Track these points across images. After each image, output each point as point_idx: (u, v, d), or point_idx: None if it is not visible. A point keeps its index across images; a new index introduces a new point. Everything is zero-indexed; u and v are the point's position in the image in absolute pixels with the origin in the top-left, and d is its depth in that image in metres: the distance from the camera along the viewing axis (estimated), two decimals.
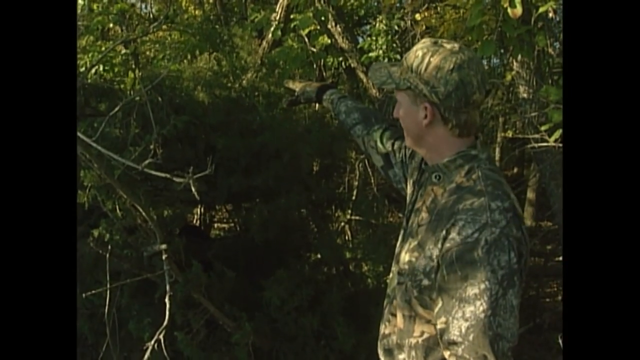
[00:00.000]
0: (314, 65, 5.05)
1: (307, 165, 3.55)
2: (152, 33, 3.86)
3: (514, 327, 1.25)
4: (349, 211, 5.29)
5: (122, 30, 4.92)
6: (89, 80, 4.23)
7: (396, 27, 4.72)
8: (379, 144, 1.81)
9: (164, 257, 2.37)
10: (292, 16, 4.42)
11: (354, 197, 5.75)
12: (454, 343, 1.27)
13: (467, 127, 1.39)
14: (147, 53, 5.01)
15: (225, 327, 2.77)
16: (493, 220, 1.27)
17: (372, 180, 6.46)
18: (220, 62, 4.11)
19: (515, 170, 11.27)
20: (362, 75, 4.94)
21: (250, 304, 2.93)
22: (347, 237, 5.53)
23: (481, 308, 1.23)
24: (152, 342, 2.19)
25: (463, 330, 1.25)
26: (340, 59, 5.18)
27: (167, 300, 2.26)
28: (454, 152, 1.41)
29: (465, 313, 1.25)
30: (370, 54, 4.61)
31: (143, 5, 6.99)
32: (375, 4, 5.62)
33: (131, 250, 2.59)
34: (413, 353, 1.44)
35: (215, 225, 5.01)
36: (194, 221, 4.96)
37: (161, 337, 2.15)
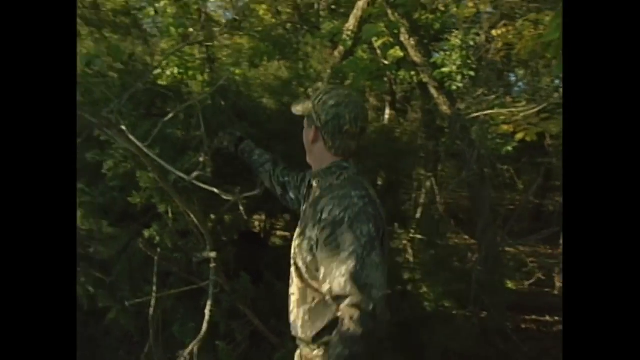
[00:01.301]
0: (385, 79, 4.96)
1: (371, 179, 3.43)
2: (218, 36, 3.85)
3: (381, 279, 1.67)
4: (412, 229, 5.14)
5: (198, 35, 5.00)
6: (164, 83, 4.28)
7: (471, 43, 4.56)
8: (280, 177, 2.44)
9: (211, 265, 2.32)
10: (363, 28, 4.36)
11: (418, 215, 5.59)
12: (339, 297, 1.71)
13: (342, 149, 1.91)
14: (223, 59, 5.06)
15: (269, 342, 2.69)
16: (353, 203, 1.74)
17: (439, 199, 6.28)
18: (290, 69, 4.07)
19: None
20: (433, 91, 4.80)
21: None
22: (407, 257, 5.37)
23: (352, 265, 1.66)
24: (185, 353, 2.14)
25: (342, 284, 1.68)
26: (413, 73, 5.06)
27: (207, 311, 2.21)
28: (330, 162, 1.92)
29: (341, 271, 1.68)
30: (444, 69, 4.47)
31: (223, 12, 7.11)
32: (451, 18, 5.47)
33: (181, 254, 2.55)
34: (306, 317, 1.93)
35: (277, 233, 4.95)
36: (256, 227, 4.92)
37: (195, 349, 2.10)
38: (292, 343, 2.66)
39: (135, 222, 2.76)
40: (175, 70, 4.28)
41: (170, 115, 2.08)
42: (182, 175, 1.62)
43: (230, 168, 3.08)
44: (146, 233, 2.51)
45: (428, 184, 5.90)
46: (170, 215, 2.44)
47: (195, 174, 1.70)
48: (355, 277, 1.66)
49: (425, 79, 4.70)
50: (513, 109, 4.62)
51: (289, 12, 6.80)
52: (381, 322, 1.68)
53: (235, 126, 3.00)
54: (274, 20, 6.32)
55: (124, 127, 1.72)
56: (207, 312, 2.24)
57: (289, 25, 5.38)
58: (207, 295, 2.37)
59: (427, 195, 5.96)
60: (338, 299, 1.72)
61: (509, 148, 4.88)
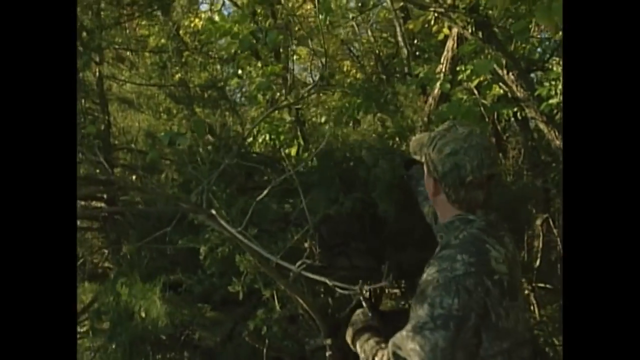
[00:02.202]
0: (486, 119, 4.62)
1: None
2: (308, 96, 3.70)
3: None
4: (533, 277, 4.73)
5: (285, 98, 4.90)
6: (259, 150, 4.16)
7: None
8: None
9: (327, 354, 2.05)
10: (458, 68, 4.07)
11: (537, 262, 5.16)
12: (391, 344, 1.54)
13: (467, 202, 1.62)
14: (313, 119, 4.91)
15: None
16: (452, 267, 1.47)
17: (558, 240, 5.77)
18: (384, 122, 3.84)
19: None
20: (542, 126, 4.40)
21: None
22: (532, 309, 4.92)
23: (408, 328, 1.47)
24: None
25: (396, 338, 1.52)
26: (516, 109, 4.69)
27: None
28: (453, 215, 1.64)
29: (396, 336, 1.52)
30: (551, 102, 4.07)
31: (308, 74, 7.06)
32: (553, 43, 5.08)
33: (292, 342, 2.30)
34: None
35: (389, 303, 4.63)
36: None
37: None
38: None
39: (240, 307, 2.55)
40: (267, 137, 4.17)
41: (266, 191, 1.84)
42: (286, 265, 1.38)
43: (344, 227, 2.84)
44: (251, 324, 2.28)
45: (544, 227, 5.42)
46: (276, 300, 2.19)
47: (300, 265, 1.46)
48: (403, 341, 1.48)
49: (531, 114, 4.31)
50: None
51: (372, 65, 6.65)
52: None
53: (343, 200, 2.77)
54: (358, 75, 6.18)
55: (214, 211, 1.51)
56: None
57: (375, 78, 5.18)
58: None
59: (544, 238, 5.48)
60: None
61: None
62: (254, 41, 3.24)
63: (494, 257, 1.51)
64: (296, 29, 5.43)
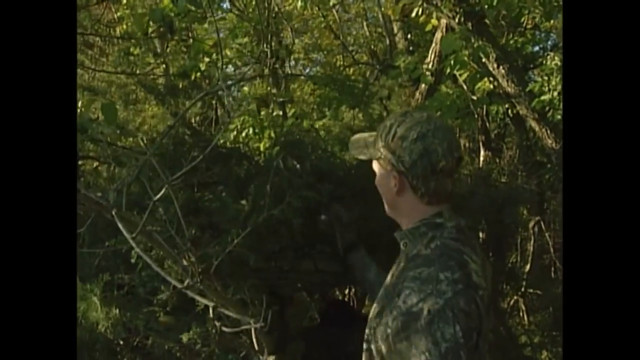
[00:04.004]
0: (475, 115, 4.40)
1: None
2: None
3: None
4: (523, 283, 4.56)
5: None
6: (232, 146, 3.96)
7: None
8: None
9: None
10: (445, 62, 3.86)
11: (527, 267, 5.00)
12: None
13: (437, 195, 1.45)
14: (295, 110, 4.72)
15: None
16: (438, 291, 1.29)
17: (550, 244, 5.57)
18: (368, 117, 3.62)
19: None
20: (534, 124, 4.18)
21: None
22: (521, 315, 4.74)
23: None
24: None
25: None
26: (507, 105, 4.47)
27: None
28: (419, 219, 1.47)
29: None
30: (542, 97, 3.86)
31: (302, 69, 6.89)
32: (546, 37, 4.85)
33: (236, 356, 2.07)
34: None
35: (370, 305, 4.39)
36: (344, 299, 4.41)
37: None
38: None
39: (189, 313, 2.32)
40: (250, 131, 3.97)
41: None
42: (173, 282, 1.16)
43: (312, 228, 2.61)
44: (184, 337, 2.04)
45: (536, 228, 5.22)
46: (210, 310, 1.95)
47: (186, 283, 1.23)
48: None
49: (522, 111, 4.10)
50: None
51: (366, 59, 6.45)
52: None
53: (314, 188, 2.55)
54: (352, 70, 5.96)
55: (113, 213, 1.28)
56: None
57: (368, 73, 4.96)
58: None
59: (535, 242, 5.28)
60: None
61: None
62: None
63: (474, 269, 1.38)
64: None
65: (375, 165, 1.56)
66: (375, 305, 1.55)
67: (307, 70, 7.15)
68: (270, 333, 1.92)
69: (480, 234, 3.51)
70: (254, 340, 1.36)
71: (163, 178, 1.34)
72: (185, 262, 1.46)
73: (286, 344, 2.11)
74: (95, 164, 4.66)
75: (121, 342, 2.41)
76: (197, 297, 1.29)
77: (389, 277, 1.54)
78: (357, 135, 1.70)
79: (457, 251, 1.40)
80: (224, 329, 1.26)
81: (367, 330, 1.55)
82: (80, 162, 4.52)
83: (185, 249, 1.43)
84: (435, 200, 1.47)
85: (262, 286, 2.24)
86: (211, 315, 1.37)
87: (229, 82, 2.97)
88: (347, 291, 4.21)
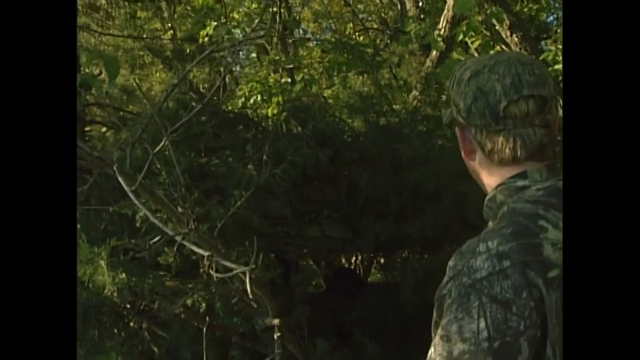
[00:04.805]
0: None
1: (476, 208, 2.82)
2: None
3: None
4: None
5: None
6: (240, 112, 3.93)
7: None
8: None
9: (275, 335, 1.81)
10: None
11: None
12: None
13: (511, 150, 1.03)
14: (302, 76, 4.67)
15: None
16: (469, 267, 0.91)
17: None
18: (377, 83, 3.56)
19: None
20: None
21: None
22: None
23: None
24: None
25: None
26: None
27: None
28: (494, 186, 1.06)
29: None
30: (556, 67, 3.77)
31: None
32: (558, 5, 4.73)
33: (241, 319, 2.04)
34: None
35: (376, 274, 4.37)
36: (352, 266, 4.40)
37: None
38: None
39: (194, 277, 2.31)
40: (259, 98, 3.93)
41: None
42: (169, 231, 1.12)
43: (319, 194, 2.58)
44: (188, 300, 2.01)
45: None
46: (213, 273, 1.92)
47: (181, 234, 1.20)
48: None
49: None
50: None
51: (376, 27, 6.34)
52: None
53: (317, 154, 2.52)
54: (362, 38, 5.87)
55: (115, 168, 1.24)
56: None
57: (371, 33, 4.86)
58: None
59: None
60: None
61: None
62: None
63: (551, 240, 0.95)
64: None
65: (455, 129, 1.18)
66: None
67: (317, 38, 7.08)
68: (275, 297, 1.90)
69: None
70: (248, 288, 1.24)
71: (163, 131, 1.29)
72: (180, 209, 1.42)
73: (291, 308, 2.09)
74: (103, 129, 4.65)
75: (128, 306, 2.41)
76: (193, 247, 1.24)
77: None
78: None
79: (530, 216, 0.99)
80: (216, 274, 1.19)
81: None
82: (87, 128, 4.52)
83: (179, 195, 1.39)
84: (511, 158, 1.05)
85: (267, 251, 2.22)
86: (205, 261, 1.33)
87: (236, 44, 2.89)
88: (353, 259, 4.20)
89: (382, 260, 3.15)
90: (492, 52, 3.98)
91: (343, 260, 4.18)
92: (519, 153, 1.03)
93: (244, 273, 1.29)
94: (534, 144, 1.04)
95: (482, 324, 0.87)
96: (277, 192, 2.49)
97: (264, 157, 2.57)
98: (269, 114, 3.35)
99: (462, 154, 1.11)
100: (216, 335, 1.96)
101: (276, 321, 1.78)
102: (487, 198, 1.07)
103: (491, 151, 1.04)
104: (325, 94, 3.51)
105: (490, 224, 1.06)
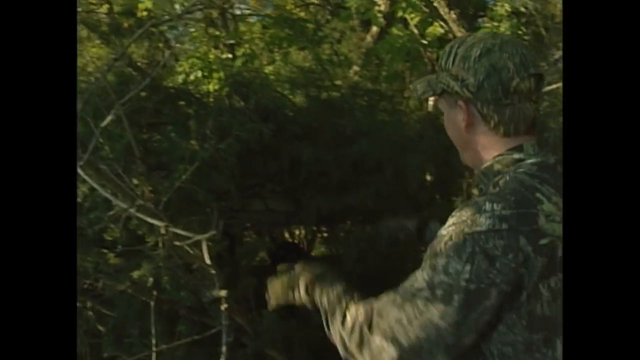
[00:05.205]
0: (425, 59, 4.41)
1: (417, 180, 2.90)
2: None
3: (419, 342, 1.04)
4: None
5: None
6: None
7: (522, 9, 3.97)
8: None
9: (223, 307, 1.84)
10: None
11: None
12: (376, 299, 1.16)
13: (514, 123, 1.18)
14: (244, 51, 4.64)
15: None
16: (473, 220, 1.05)
17: None
18: (318, 58, 3.58)
19: None
20: None
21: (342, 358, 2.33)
22: None
23: (398, 293, 1.11)
24: None
25: (381, 299, 1.14)
26: None
27: None
28: (491, 157, 1.20)
29: (394, 290, 1.13)
30: None
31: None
32: None
33: (188, 293, 2.06)
34: None
35: (320, 247, 4.44)
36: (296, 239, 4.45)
37: None
38: None
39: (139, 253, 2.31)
40: (199, 74, 3.89)
41: None
42: (121, 204, 1.14)
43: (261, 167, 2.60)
44: (135, 274, 2.02)
45: None
46: (160, 246, 1.93)
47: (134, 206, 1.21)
48: (385, 309, 1.11)
49: None
50: None
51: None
52: None
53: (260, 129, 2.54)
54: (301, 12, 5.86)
55: None
56: None
57: (312, 9, 4.86)
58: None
59: None
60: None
61: None
62: None
63: (546, 211, 1.09)
64: None
65: (441, 104, 1.29)
66: None
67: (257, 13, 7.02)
68: (221, 270, 1.93)
69: (428, 177, 3.58)
70: (205, 256, 1.30)
71: (117, 105, 1.29)
72: (136, 182, 1.44)
73: (237, 280, 2.13)
74: None
75: (83, 285, 2.38)
76: (148, 219, 1.25)
77: None
78: (421, 79, 1.39)
79: (529, 188, 1.11)
80: (176, 242, 1.21)
81: None
82: None
83: (124, 169, 1.40)
84: (513, 130, 1.18)
85: (211, 225, 2.24)
86: (162, 231, 1.34)
87: (175, 19, 2.87)
88: (297, 232, 4.26)
89: (325, 233, 3.21)
90: (431, 28, 4.07)
91: (287, 235, 4.23)
92: (520, 126, 1.18)
93: (199, 242, 1.32)
94: (528, 118, 1.19)
95: (467, 268, 1.03)
96: (221, 167, 2.51)
97: (208, 132, 2.58)
98: (211, 90, 3.34)
99: (461, 127, 1.21)
100: (163, 310, 1.97)
101: (223, 293, 1.81)
102: (483, 166, 1.20)
103: (497, 124, 1.17)
104: (267, 70, 3.51)
105: (475, 190, 1.24)
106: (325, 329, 1.28)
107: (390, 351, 1.07)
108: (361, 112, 2.90)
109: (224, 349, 1.79)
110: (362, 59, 3.88)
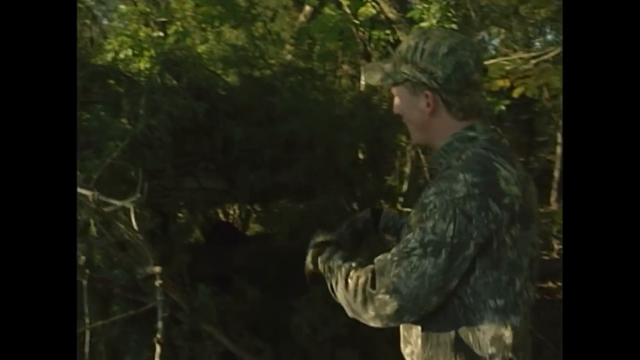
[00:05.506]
0: (357, 39, 4.46)
1: (348, 156, 2.96)
2: None
3: (417, 290, 1.27)
4: (399, 203, 4.77)
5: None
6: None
7: None
8: None
9: (157, 282, 1.85)
10: None
11: (404, 188, 5.22)
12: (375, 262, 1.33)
13: (470, 109, 1.41)
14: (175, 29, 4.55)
15: None
16: (451, 189, 1.28)
17: (425, 166, 5.87)
18: (251, 36, 3.58)
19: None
20: None
21: (277, 331, 2.39)
22: None
23: (394, 252, 1.28)
24: None
25: (379, 259, 1.29)
26: (388, 31, 4.56)
27: (156, 340, 1.75)
28: (451, 135, 1.41)
29: (390, 251, 1.29)
30: (422, 24, 3.97)
31: None
32: None
33: (122, 271, 2.06)
34: None
35: (254, 227, 4.46)
36: (230, 219, 4.46)
37: None
38: None
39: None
40: (130, 52, 3.80)
41: None
42: None
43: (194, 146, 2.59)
44: None
45: (412, 152, 5.46)
46: (92, 227, 1.93)
47: None
48: (386, 266, 1.28)
49: (403, 37, 4.19)
50: (509, 59, 4.11)
51: None
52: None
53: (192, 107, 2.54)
54: None
55: None
56: (156, 341, 1.78)
57: None
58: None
59: (412, 164, 5.52)
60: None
61: (502, 107, 4.38)
62: None
63: (504, 176, 1.33)
64: None
65: (399, 91, 1.46)
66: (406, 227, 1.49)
67: None
68: (155, 247, 1.93)
69: (360, 155, 3.65)
70: (133, 222, 1.32)
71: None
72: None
73: (171, 257, 2.14)
74: None
75: None
76: (79, 190, 1.25)
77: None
78: (369, 64, 1.63)
79: (488, 159, 1.35)
80: (104, 208, 1.22)
81: None
82: None
83: None
84: (468, 114, 1.41)
85: (145, 203, 2.23)
86: (90, 200, 1.34)
87: None
88: (231, 212, 4.27)
89: (258, 210, 3.24)
90: (363, 8, 4.12)
91: (221, 214, 4.24)
92: (474, 110, 1.41)
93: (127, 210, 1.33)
94: (479, 104, 1.44)
95: (451, 227, 1.25)
96: (154, 146, 2.49)
97: (140, 110, 2.56)
98: (142, 68, 3.29)
99: (425, 112, 1.40)
100: (97, 289, 1.96)
101: (157, 269, 1.82)
102: (444, 143, 1.41)
103: (458, 110, 1.39)
104: (200, 50, 3.48)
105: (443, 164, 1.41)
106: (331, 293, 1.43)
107: (393, 303, 1.28)
108: (293, 90, 2.93)
109: (159, 324, 1.80)
110: (295, 37, 3.90)
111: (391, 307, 1.29)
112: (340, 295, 1.39)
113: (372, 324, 1.34)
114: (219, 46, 3.43)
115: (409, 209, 4.73)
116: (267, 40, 3.48)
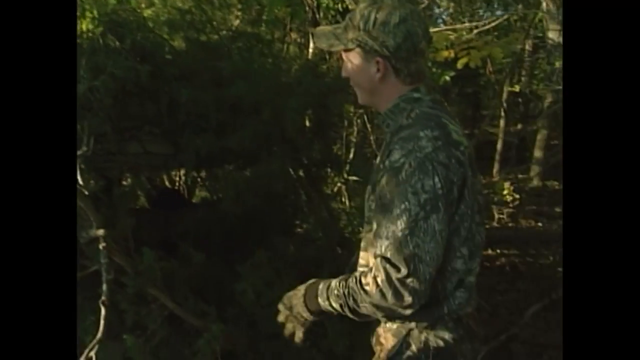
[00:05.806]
0: (306, 7, 4.45)
1: (295, 122, 2.97)
2: None
3: (434, 251, 1.36)
4: (346, 172, 4.82)
5: None
6: None
7: None
8: None
9: (101, 245, 1.84)
10: None
11: (351, 156, 5.28)
12: (377, 256, 1.39)
13: (417, 74, 1.52)
14: None
15: (190, 326, 2.26)
16: (419, 146, 1.38)
17: (372, 136, 5.94)
18: (197, 1, 3.51)
19: (519, 126, 10.96)
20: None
21: (222, 295, 2.41)
22: (343, 201, 5.05)
23: (400, 227, 1.35)
24: (83, 358, 1.68)
25: (383, 249, 1.37)
26: None
27: (100, 304, 1.74)
28: (397, 97, 1.52)
29: (387, 232, 1.37)
30: None
31: None
32: None
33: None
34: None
35: (199, 192, 4.43)
36: (175, 185, 4.41)
37: (93, 354, 1.64)
38: (216, 325, 2.25)
39: None
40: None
41: None
42: None
43: (139, 110, 2.54)
44: None
45: (359, 121, 5.50)
46: None
47: None
48: (400, 243, 1.35)
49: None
50: (452, 27, 4.17)
51: None
52: (420, 306, 1.39)
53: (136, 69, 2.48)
54: None
55: None
56: (101, 303, 1.78)
57: None
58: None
59: (359, 133, 5.57)
60: (376, 257, 1.42)
61: (447, 78, 4.46)
62: None
63: (453, 129, 1.46)
64: None
65: (351, 56, 1.53)
66: (368, 187, 1.57)
67: None
68: (98, 211, 1.91)
69: (307, 122, 3.67)
70: (78, 176, 1.31)
71: None
72: None
73: (116, 221, 2.12)
74: None
75: None
76: None
77: (377, 160, 1.58)
78: (320, 28, 1.65)
79: (436, 116, 1.47)
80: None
81: (366, 213, 1.57)
82: None
83: None
84: (415, 79, 1.52)
85: (87, 168, 2.19)
86: None
87: None
88: (177, 178, 4.23)
89: (204, 175, 3.23)
90: None
91: (166, 182, 4.19)
92: (420, 76, 1.53)
93: None
94: (423, 71, 1.54)
95: (436, 179, 1.35)
96: (96, 109, 2.44)
97: (81, 72, 2.49)
98: (84, 29, 3.19)
99: (375, 78, 1.50)
100: None
101: (101, 231, 1.81)
102: (391, 105, 1.52)
103: (406, 75, 1.50)
104: (145, 14, 3.40)
105: (391, 125, 1.52)
106: (354, 318, 1.48)
107: (419, 273, 1.35)
108: (240, 55, 2.91)
109: (104, 287, 1.80)
110: (243, 3, 3.85)
111: (420, 281, 1.35)
112: (366, 307, 1.42)
113: (407, 312, 1.39)
114: (164, 9, 3.36)
115: (354, 177, 4.80)
116: (214, 5, 3.42)
